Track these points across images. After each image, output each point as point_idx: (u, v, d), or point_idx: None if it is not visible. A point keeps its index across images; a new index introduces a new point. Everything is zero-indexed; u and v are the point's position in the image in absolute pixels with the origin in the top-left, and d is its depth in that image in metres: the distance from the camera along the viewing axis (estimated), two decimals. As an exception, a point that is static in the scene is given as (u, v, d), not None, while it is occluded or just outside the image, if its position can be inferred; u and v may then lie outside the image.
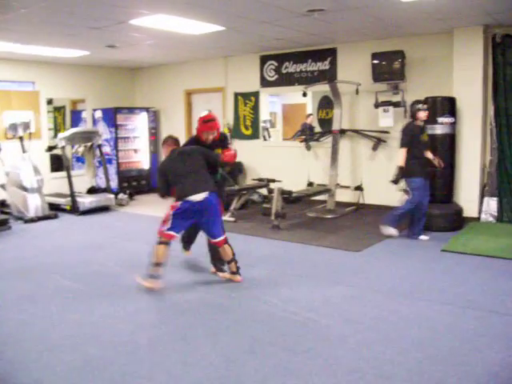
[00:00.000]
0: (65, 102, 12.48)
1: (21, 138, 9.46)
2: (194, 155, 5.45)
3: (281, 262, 6.34)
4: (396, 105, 8.71)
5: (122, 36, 8.25)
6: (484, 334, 4.11)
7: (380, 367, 3.56)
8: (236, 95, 11.20)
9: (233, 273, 5.55)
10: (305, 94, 9.31)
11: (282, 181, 9.48)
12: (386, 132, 9.00)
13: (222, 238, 5.44)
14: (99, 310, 4.77)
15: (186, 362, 3.69)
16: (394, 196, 9.05)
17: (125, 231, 8.29)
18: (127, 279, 5.50)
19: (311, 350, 3.84)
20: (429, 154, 7.27)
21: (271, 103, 13.57)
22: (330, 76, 9.59)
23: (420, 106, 7.08)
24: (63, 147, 9.93)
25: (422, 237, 7.23)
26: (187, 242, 6.36)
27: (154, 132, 12.59)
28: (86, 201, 9.77)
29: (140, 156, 12.43)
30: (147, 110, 12.47)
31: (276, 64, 10.49)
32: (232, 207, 8.98)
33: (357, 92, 8.96)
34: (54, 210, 9.62)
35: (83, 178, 10.90)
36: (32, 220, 8.95)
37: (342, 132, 9.35)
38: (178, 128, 12.13)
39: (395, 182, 7.21)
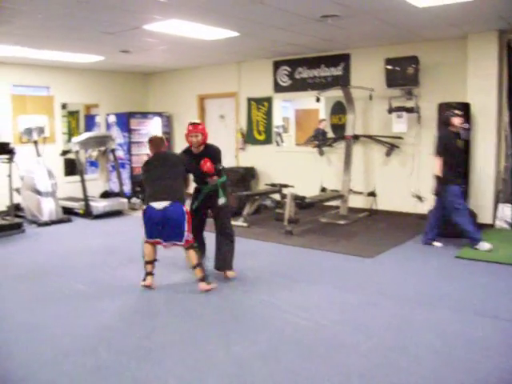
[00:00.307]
0: (79, 107, 12.54)
1: (35, 142, 9.54)
2: (169, 162, 5.59)
3: (293, 267, 6.32)
4: (410, 110, 8.67)
5: (136, 41, 8.29)
6: (498, 341, 4.07)
7: (394, 374, 3.53)
8: (249, 100, 11.22)
9: (199, 280, 5.40)
10: (318, 100, 9.30)
11: (294, 186, 9.46)
12: (400, 138, 8.97)
13: (183, 242, 5.38)
14: (111, 314, 4.79)
15: (198, 368, 3.68)
16: (407, 202, 9.06)
17: (137, 235, 8.27)
18: (139, 284, 5.50)
19: (324, 357, 3.82)
20: None
21: (284, 108, 13.55)
22: (343, 81, 9.58)
23: (454, 111, 6.95)
24: (77, 151, 9.99)
25: (436, 243, 7.16)
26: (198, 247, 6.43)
27: (167, 137, 12.61)
28: (100, 205, 9.82)
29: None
30: (160, 114, 12.51)
31: (289, 69, 10.49)
32: (245, 212, 8.98)
33: (370, 97, 8.93)
34: (68, 213, 9.69)
35: (97, 182, 10.94)
36: (46, 224, 9.01)
37: (355, 137, 9.32)
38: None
39: (437, 194, 6.99)
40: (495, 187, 8.10)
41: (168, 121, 12.67)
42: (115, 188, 11.15)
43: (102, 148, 10.55)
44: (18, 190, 9.38)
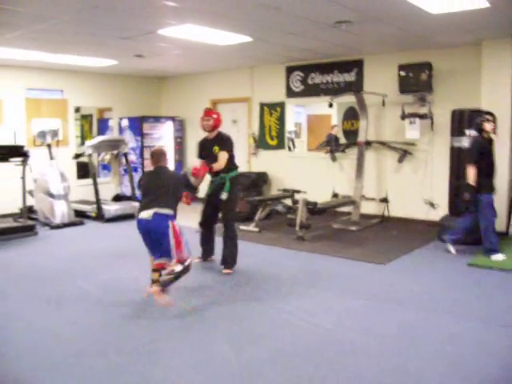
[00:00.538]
0: (92, 111, 12.61)
1: (49, 146, 9.61)
2: (165, 177, 5.32)
3: (304, 273, 6.31)
4: (423, 117, 8.63)
5: (150, 46, 8.33)
6: (510, 350, 4.03)
7: (404, 381, 3.51)
8: (262, 105, 11.22)
9: (153, 281, 5.09)
10: (331, 105, 9.29)
11: (306, 192, 9.45)
12: (413, 144, 8.93)
13: (160, 261, 5.07)
14: (121, 316, 4.81)
15: (207, 371, 3.69)
16: (419, 209, 9.02)
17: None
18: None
19: (334, 362, 3.81)
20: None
21: (296, 114, 13.55)
22: (356, 87, 9.57)
23: (485, 116, 6.82)
24: (90, 155, 10.04)
25: (451, 247, 7.07)
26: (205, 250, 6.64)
27: (180, 141, 12.66)
28: (112, 208, 9.86)
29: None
30: (173, 119, 12.55)
31: (302, 75, 10.50)
32: (256, 217, 8.97)
33: (383, 103, 8.91)
34: (80, 216, 9.73)
35: (109, 185, 10.98)
36: (58, 226, 9.06)
37: (368, 143, 9.31)
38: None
39: (468, 202, 6.82)
40: (509, 195, 8.03)
41: (181, 125, 12.71)
42: (127, 192, 11.17)
43: (115, 152, 10.60)
44: (31, 193, 9.44)
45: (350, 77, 9.81)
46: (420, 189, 8.97)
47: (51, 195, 9.16)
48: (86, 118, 12.62)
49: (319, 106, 12.55)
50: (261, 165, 11.20)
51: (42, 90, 10.83)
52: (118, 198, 10.88)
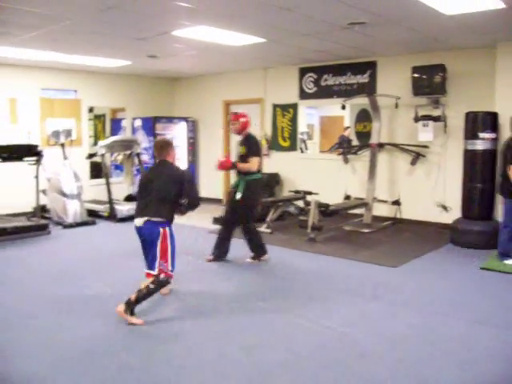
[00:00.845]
0: (105, 111, 12.66)
1: (62, 145, 9.66)
2: (165, 176, 4.96)
3: (316, 275, 6.29)
4: (436, 119, 8.58)
5: (164, 47, 8.35)
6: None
7: (417, 386, 3.50)
8: (274, 107, 11.22)
9: (126, 303, 4.64)
10: (344, 107, 9.27)
11: (318, 193, 9.44)
12: (425, 147, 8.89)
13: (150, 271, 4.82)
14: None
15: (219, 373, 3.68)
16: (431, 211, 8.97)
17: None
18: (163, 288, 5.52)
19: (346, 366, 3.79)
20: None
21: (309, 115, 13.54)
22: (369, 89, 9.55)
23: None
24: (103, 155, 10.09)
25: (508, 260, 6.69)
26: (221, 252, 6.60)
27: (193, 142, 12.69)
28: (124, 208, 9.89)
29: (178, 165, 12.47)
30: (186, 119, 12.58)
31: (315, 76, 10.48)
32: (268, 219, 8.97)
33: (396, 106, 8.87)
34: (92, 216, 9.79)
35: (121, 185, 11.02)
36: (71, 225, 9.11)
37: (381, 146, 9.28)
38: (216, 138, 12.28)
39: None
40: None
41: (193, 126, 12.74)
42: (139, 192, 11.18)
43: (128, 152, 10.63)
44: (44, 192, 9.50)
45: (363, 78, 9.79)
46: (433, 191, 8.93)
47: (64, 195, 9.21)
48: (99, 118, 12.67)
49: (332, 107, 12.56)
50: (273, 166, 11.19)
51: (56, 90, 10.90)
52: (130, 198, 10.91)
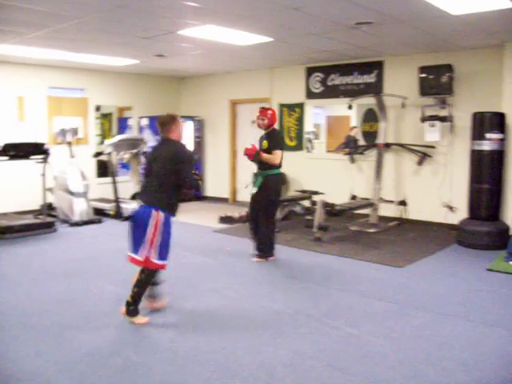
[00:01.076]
0: (112, 109, 12.69)
1: (69, 144, 9.70)
2: (166, 155, 4.64)
3: (322, 275, 6.29)
4: (443, 119, 8.56)
5: (171, 46, 8.37)
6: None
7: (422, 387, 3.49)
8: (281, 106, 11.22)
9: (126, 305, 4.59)
10: (350, 107, 9.26)
11: (324, 193, 9.43)
12: (432, 147, 8.87)
13: (134, 255, 4.51)
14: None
15: (224, 372, 3.68)
16: (438, 212, 8.95)
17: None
18: (167, 286, 5.52)
19: (351, 366, 3.79)
20: None
21: (315, 115, 13.51)
22: (376, 89, 9.53)
23: None
24: (109, 153, 10.11)
25: None
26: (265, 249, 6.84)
27: (199, 141, 12.70)
28: (130, 207, 9.89)
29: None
30: (192, 118, 12.60)
31: (322, 76, 10.48)
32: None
33: (403, 106, 8.86)
34: (99, 214, 9.82)
35: (127, 184, 11.04)
36: (77, 224, 9.14)
37: (387, 146, 9.26)
38: (222, 137, 12.28)
39: None
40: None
41: (200, 125, 12.75)
42: (146, 190, 11.19)
43: (134, 150, 10.64)
44: (50, 190, 9.53)
45: (369, 78, 9.77)
46: (439, 192, 8.91)
47: (71, 193, 9.24)
48: (106, 117, 12.70)
49: (338, 107, 12.55)
50: (279, 165, 11.16)
51: (64, 89, 10.94)
52: (136, 197, 10.93)
